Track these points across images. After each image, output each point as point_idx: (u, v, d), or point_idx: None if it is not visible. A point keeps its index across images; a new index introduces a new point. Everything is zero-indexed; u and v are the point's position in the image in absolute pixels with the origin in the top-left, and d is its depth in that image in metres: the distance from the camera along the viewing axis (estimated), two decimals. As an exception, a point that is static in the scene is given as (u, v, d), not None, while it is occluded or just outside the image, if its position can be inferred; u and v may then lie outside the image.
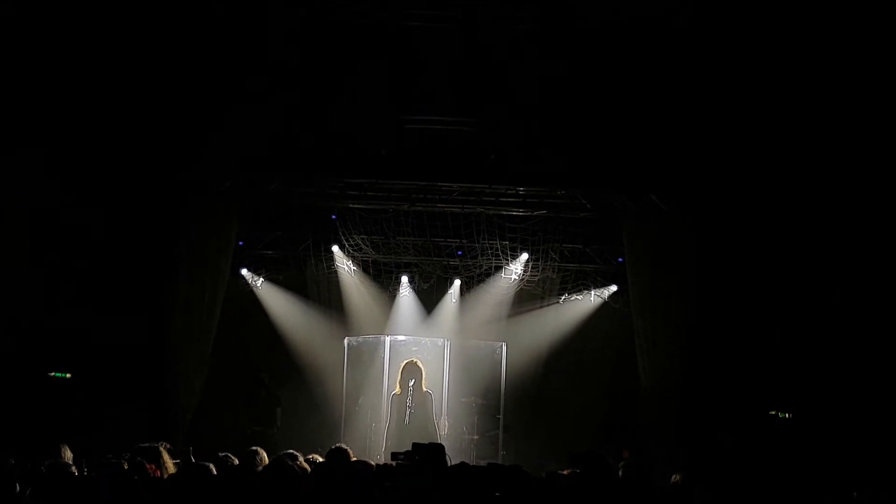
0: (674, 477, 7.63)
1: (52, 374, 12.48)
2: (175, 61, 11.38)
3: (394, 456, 8.08)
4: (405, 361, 13.34)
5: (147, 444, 7.28)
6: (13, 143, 10.35)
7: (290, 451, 8.50)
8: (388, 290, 14.89)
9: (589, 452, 6.95)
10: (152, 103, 11.49)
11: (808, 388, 12.08)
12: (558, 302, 14.87)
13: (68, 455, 7.62)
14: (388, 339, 13.76)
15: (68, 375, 12.61)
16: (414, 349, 13.82)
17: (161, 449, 7.39)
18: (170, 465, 7.38)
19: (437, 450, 6.68)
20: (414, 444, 7.33)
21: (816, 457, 11.08)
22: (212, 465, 7.16)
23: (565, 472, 7.90)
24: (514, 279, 14.47)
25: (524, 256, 14.09)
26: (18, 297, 10.42)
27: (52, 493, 5.59)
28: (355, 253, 14.17)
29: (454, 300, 14.85)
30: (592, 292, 14.75)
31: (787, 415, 13.04)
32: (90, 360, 12.71)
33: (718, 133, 11.88)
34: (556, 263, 14.32)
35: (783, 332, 12.36)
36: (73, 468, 7.29)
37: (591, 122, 12.44)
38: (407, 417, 12.98)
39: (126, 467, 6.75)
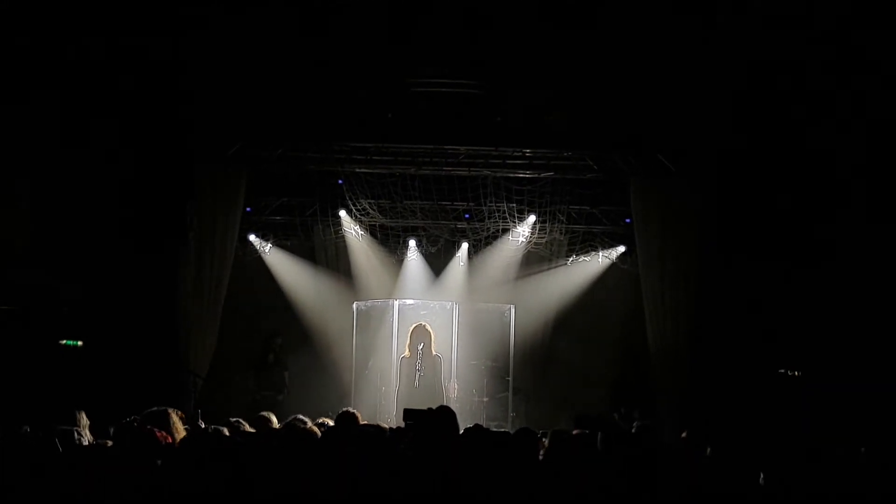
0: (683, 434, 7.66)
1: (64, 341, 12.50)
2: (182, 25, 11.30)
3: (406, 414, 8.14)
4: (414, 325, 13.35)
5: (156, 409, 7.28)
6: (21, 107, 10.28)
7: (299, 415, 8.55)
8: (396, 254, 14.89)
9: (598, 416, 7.00)
10: (160, 69, 11.42)
11: (818, 346, 12.05)
12: (566, 264, 14.84)
13: (84, 421, 7.66)
14: (396, 303, 13.76)
15: (80, 343, 12.63)
16: (422, 313, 13.81)
17: (171, 413, 7.40)
18: (180, 430, 7.40)
19: (447, 414, 6.70)
20: (415, 411, 7.35)
21: (825, 414, 11.09)
22: (224, 429, 7.22)
23: (575, 432, 7.94)
24: (522, 241, 14.45)
25: (531, 218, 14.05)
26: (27, 264, 10.41)
27: (62, 460, 5.59)
28: (362, 217, 14.15)
29: (462, 263, 14.84)
30: (600, 253, 14.72)
31: (796, 373, 13.05)
32: (101, 328, 12.75)
33: (724, 91, 11.78)
34: (564, 225, 14.29)
35: (792, 289, 12.31)
36: (87, 435, 7.35)
37: (598, 83, 12.38)
38: (416, 380, 13.00)
39: (136, 433, 6.77)
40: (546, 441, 8.01)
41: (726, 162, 12.73)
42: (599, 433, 6.70)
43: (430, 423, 6.55)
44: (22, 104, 9.96)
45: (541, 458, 5.57)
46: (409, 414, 8.01)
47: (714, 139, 12.60)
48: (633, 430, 7.69)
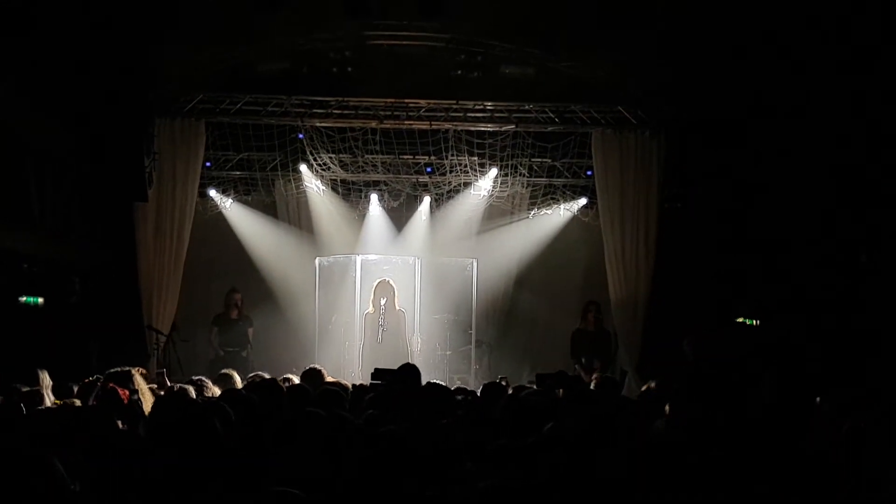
0: (647, 384, 7.77)
1: (23, 298, 12.37)
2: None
3: (375, 373, 8.21)
4: (378, 281, 13.38)
5: (118, 369, 7.26)
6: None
7: (259, 372, 8.58)
8: (358, 208, 14.86)
9: (558, 373, 7.06)
10: (116, 20, 11.21)
11: (776, 294, 12.22)
12: (528, 217, 14.89)
13: (47, 381, 7.61)
14: (359, 258, 13.75)
15: (40, 301, 12.52)
16: (385, 268, 13.83)
17: (134, 373, 7.38)
18: (144, 389, 7.40)
19: (411, 370, 6.76)
20: (384, 371, 7.40)
21: (783, 363, 11.26)
22: (190, 388, 7.23)
23: (534, 387, 8.03)
24: (484, 195, 14.47)
25: (493, 172, 14.05)
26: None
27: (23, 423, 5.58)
28: (323, 172, 14.08)
29: (424, 218, 14.84)
30: (562, 206, 14.76)
31: (754, 321, 13.24)
32: (61, 285, 12.64)
33: (687, 42, 11.78)
34: (525, 178, 14.31)
35: (751, 238, 12.45)
36: (50, 395, 7.32)
37: (559, 34, 12.37)
38: (380, 336, 13.06)
39: (99, 393, 6.77)
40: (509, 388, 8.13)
41: (687, 113, 12.81)
42: (560, 389, 6.80)
43: (394, 380, 6.62)
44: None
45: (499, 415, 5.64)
46: (377, 374, 8.08)
47: (675, 90, 12.65)
48: (592, 385, 7.77)
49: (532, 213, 14.85)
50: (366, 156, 13.86)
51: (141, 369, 7.94)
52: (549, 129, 13.60)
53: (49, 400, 6.98)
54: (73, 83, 11.52)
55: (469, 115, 13.41)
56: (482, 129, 13.60)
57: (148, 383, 7.61)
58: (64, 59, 11.15)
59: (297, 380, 8.19)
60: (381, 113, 13.32)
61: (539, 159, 14.12)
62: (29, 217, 11.38)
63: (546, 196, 14.69)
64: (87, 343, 12.21)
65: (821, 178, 11.25)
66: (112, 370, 7.27)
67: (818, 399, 6.16)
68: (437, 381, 7.40)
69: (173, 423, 3.75)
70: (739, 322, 13.35)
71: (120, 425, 5.50)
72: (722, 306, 13.04)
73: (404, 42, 12.63)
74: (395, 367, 7.29)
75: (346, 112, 13.33)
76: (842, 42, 10.22)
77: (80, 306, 12.66)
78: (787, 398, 7.06)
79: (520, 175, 14.17)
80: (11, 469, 3.37)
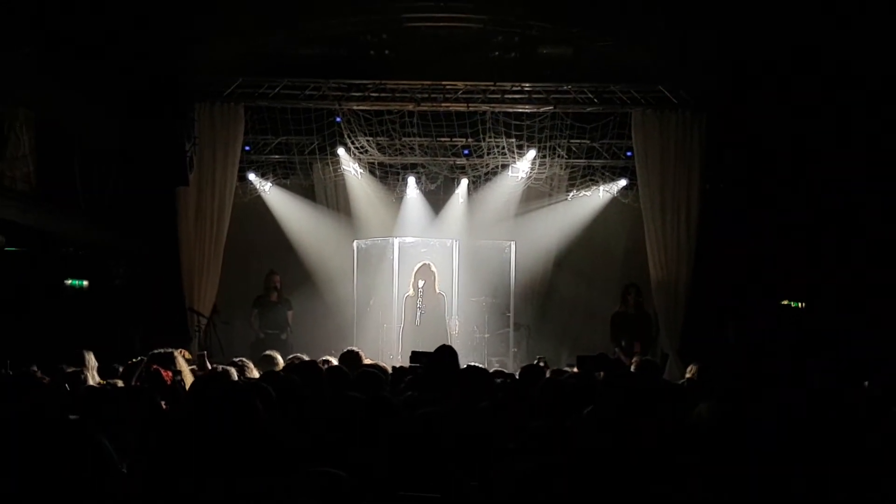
0: (690, 369, 7.72)
1: (69, 281, 12.55)
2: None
3: (413, 356, 8.24)
4: (419, 264, 13.40)
5: (161, 351, 7.34)
6: (22, 49, 10.16)
7: (298, 354, 8.63)
8: (396, 191, 14.87)
9: (599, 355, 7.02)
10: (156, 6, 11.29)
11: (822, 277, 12.06)
12: (566, 199, 14.82)
13: (92, 362, 7.71)
14: (396, 241, 13.76)
15: (85, 284, 12.69)
16: (423, 250, 13.83)
17: (177, 355, 7.45)
18: (186, 370, 7.47)
19: (448, 353, 6.76)
20: (417, 353, 7.40)
21: (829, 346, 11.13)
22: (232, 370, 7.29)
23: (574, 370, 8.01)
24: (522, 177, 14.40)
25: (531, 153, 13.98)
26: (31, 206, 10.41)
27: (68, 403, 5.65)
28: (361, 155, 14.10)
29: (462, 200, 14.81)
30: (601, 187, 14.66)
31: (799, 304, 13.10)
32: (105, 268, 12.81)
33: (726, 22, 11.63)
34: (564, 159, 14.24)
35: (795, 221, 12.30)
36: (95, 376, 7.41)
37: (598, 14, 12.26)
38: (418, 319, 13.08)
39: (142, 374, 6.85)
40: (548, 370, 8.10)
41: (728, 93, 12.65)
42: (601, 372, 6.77)
43: (432, 363, 6.62)
44: (23, 46, 9.87)
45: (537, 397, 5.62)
46: (415, 356, 8.11)
47: (716, 70, 12.50)
48: (632, 368, 7.72)
49: (571, 194, 14.78)
50: (403, 138, 13.86)
51: (183, 351, 8.04)
52: (588, 109, 13.49)
53: (92, 380, 7.06)
54: (114, 70, 11.62)
55: (507, 96, 13.34)
56: (520, 110, 13.53)
57: (189, 365, 7.70)
58: (105, 48, 11.25)
59: (335, 362, 8.22)
60: (419, 95, 13.29)
61: (578, 140, 14.01)
62: (74, 202, 11.53)
63: (585, 177, 14.61)
64: (131, 325, 12.35)
65: (866, 160, 11.08)
66: (155, 351, 7.36)
67: (866, 383, 6.08)
68: (477, 364, 7.39)
69: (213, 402, 3.76)
70: (784, 305, 13.21)
71: (163, 406, 5.55)
72: (766, 289, 12.89)
73: (441, 24, 12.59)
74: (434, 349, 7.29)
75: (383, 95, 13.31)
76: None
77: (124, 289, 12.84)
78: (835, 383, 6.96)
79: (558, 156, 14.10)
80: (62, 448, 3.41)
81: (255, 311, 13.67)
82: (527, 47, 13.06)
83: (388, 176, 14.71)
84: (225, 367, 7.54)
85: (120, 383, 6.64)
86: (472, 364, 7.19)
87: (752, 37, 11.57)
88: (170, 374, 6.85)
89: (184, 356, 7.69)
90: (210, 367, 8.25)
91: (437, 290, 13.28)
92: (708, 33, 11.79)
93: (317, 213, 14.77)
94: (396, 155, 14.25)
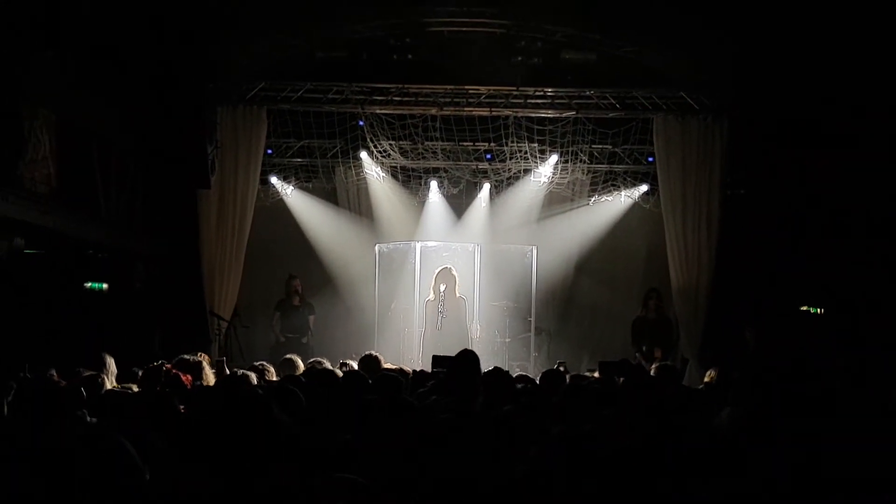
0: (709, 374, 7.67)
1: (88, 284, 12.60)
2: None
3: (435, 360, 8.23)
4: (440, 268, 13.37)
5: (189, 357, 7.37)
6: (44, 54, 10.25)
7: (318, 358, 8.63)
8: (418, 195, 14.86)
9: (621, 361, 6.97)
10: (178, 10, 11.35)
11: (841, 282, 11.98)
12: (588, 204, 14.78)
13: (112, 368, 7.72)
14: (418, 245, 13.77)
15: (105, 287, 12.73)
16: (444, 255, 13.82)
17: (204, 364, 7.49)
18: (209, 375, 7.50)
19: (469, 357, 6.74)
20: (438, 358, 7.38)
21: (849, 351, 11.05)
22: (252, 374, 7.30)
23: (595, 375, 7.98)
24: (544, 182, 14.38)
25: (553, 158, 13.96)
26: (51, 209, 10.46)
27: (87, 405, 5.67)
28: (383, 159, 14.11)
29: (484, 204, 14.79)
30: (623, 193, 14.62)
31: (819, 310, 13.01)
32: (125, 271, 12.85)
33: (747, 28, 11.58)
34: (586, 165, 14.20)
35: (815, 227, 12.22)
36: (112, 380, 7.43)
37: (620, 20, 12.23)
38: (439, 323, 13.07)
39: (162, 378, 6.86)
40: (568, 375, 8.07)
41: (749, 100, 12.59)
42: (621, 377, 6.73)
43: (454, 367, 6.60)
44: (46, 50, 9.94)
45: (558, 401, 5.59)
46: (437, 361, 8.10)
47: (737, 76, 12.45)
48: (651, 373, 7.68)
49: (592, 199, 14.74)
50: (425, 143, 13.86)
51: (204, 355, 8.07)
52: (611, 115, 13.46)
53: (109, 384, 7.06)
54: (136, 73, 11.68)
55: (529, 101, 13.33)
56: (542, 115, 13.51)
57: (211, 369, 7.73)
58: (127, 50, 11.31)
59: (355, 366, 8.22)
60: (441, 100, 13.30)
61: (600, 145, 13.98)
62: (94, 205, 11.59)
63: (607, 182, 14.56)
64: (151, 328, 12.40)
65: (891, 167, 11.00)
66: (183, 356, 7.38)
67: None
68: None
69: (231, 405, 3.76)
70: (804, 311, 13.12)
71: (182, 410, 5.56)
72: (786, 294, 12.81)
73: (464, 28, 12.59)
74: (455, 354, 7.27)
75: (405, 99, 13.33)
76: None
77: (144, 292, 12.87)
78: (857, 388, 6.90)
79: (580, 161, 14.07)
80: (86, 452, 3.41)
81: (277, 314, 13.70)
82: (550, 53, 13.06)
83: (410, 180, 14.71)
84: (245, 371, 7.55)
85: (135, 388, 6.63)
86: (497, 367, 7.17)
87: (772, 42, 11.51)
88: (190, 378, 6.87)
89: (207, 361, 7.73)
90: (230, 371, 8.26)
91: (458, 294, 13.26)
92: (729, 39, 11.73)
93: (339, 217, 14.78)
94: (419, 159, 14.25)
